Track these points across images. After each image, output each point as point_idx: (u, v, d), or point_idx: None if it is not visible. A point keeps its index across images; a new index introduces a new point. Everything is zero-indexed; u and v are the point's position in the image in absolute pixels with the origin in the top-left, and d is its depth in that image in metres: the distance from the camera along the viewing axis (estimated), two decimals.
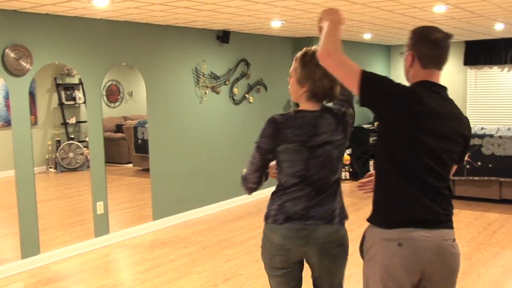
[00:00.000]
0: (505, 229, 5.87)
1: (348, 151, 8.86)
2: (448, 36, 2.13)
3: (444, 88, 2.18)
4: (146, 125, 6.34)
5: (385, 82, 2.06)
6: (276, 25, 6.57)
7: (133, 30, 5.92)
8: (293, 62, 2.46)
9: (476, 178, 6.98)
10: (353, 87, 2.04)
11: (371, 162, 9.21)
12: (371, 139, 9.13)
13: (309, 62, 2.36)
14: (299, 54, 2.44)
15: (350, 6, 5.21)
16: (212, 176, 7.05)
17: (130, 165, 7.73)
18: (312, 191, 2.39)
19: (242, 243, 5.60)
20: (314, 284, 2.63)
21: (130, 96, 8.03)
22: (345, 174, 8.91)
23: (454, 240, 2.12)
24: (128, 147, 7.73)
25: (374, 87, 2.04)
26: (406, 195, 2.07)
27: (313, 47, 2.39)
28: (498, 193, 6.93)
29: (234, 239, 5.74)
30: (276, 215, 2.43)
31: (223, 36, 6.95)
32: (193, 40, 6.66)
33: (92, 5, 4.69)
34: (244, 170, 2.55)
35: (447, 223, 2.11)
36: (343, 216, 2.47)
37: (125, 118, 8.08)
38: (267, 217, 2.48)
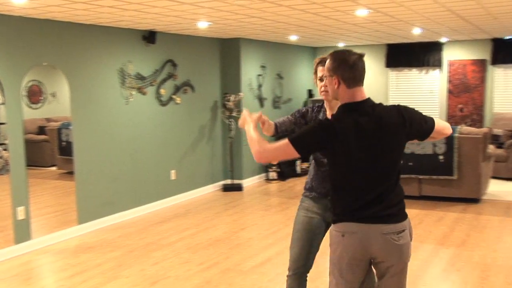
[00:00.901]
0: (423, 224, 6.15)
1: None
2: (361, 56, 2.48)
3: (367, 101, 2.48)
4: (71, 127, 6.16)
5: (310, 134, 2.46)
6: (203, 26, 6.56)
7: (55, 29, 5.74)
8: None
9: None
10: (295, 154, 2.44)
11: (298, 162, 9.38)
12: None
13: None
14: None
15: (276, 8, 5.29)
16: (139, 178, 6.94)
17: (54, 168, 7.46)
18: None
19: (169, 245, 5.56)
20: None
21: (53, 97, 7.75)
22: (272, 174, 9.02)
23: (398, 232, 2.44)
24: (51, 149, 7.46)
25: (306, 144, 2.45)
26: (349, 198, 2.47)
27: None
28: (417, 190, 7.25)
29: (161, 242, 5.69)
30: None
31: (150, 37, 6.86)
32: (119, 40, 6.53)
33: (9, 1, 4.50)
34: None
35: (387, 218, 2.44)
36: None
37: (48, 120, 7.79)
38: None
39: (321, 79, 2.95)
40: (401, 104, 2.63)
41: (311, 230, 3.03)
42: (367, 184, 2.43)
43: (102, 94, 6.35)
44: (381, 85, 10.36)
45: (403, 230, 2.46)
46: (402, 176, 7.51)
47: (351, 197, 2.45)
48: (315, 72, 3.04)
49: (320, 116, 3.08)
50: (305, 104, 10.24)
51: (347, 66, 2.45)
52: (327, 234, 2.70)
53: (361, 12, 5.73)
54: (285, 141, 2.43)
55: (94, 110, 6.25)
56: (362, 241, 2.42)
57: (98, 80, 6.29)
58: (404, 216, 2.50)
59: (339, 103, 2.57)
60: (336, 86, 2.48)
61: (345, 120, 2.43)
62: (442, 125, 2.64)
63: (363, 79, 2.50)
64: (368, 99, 2.48)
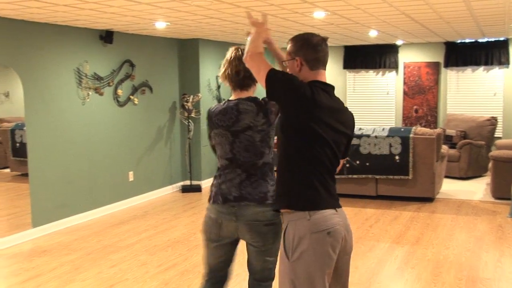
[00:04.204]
0: (380, 223, 6.27)
1: None
2: (324, 39, 2.43)
3: (332, 87, 2.43)
4: (25, 128, 6.01)
5: (287, 79, 2.34)
6: (160, 26, 6.51)
7: (8, 27, 5.59)
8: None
9: (355, 176, 7.39)
10: (262, 82, 2.37)
11: None
12: None
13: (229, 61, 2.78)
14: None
15: (234, 9, 5.30)
16: (96, 180, 6.84)
17: (7, 170, 7.27)
18: (243, 173, 2.71)
19: (127, 247, 5.49)
20: (248, 268, 2.87)
21: (6, 97, 7.55)
22: None
23: None
24: (4, 151, 7.27)
25: (277, 82, 2.33)
26: (314, 178, 2.31)
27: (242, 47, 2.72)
28: (374, 190, 7.38)
29: (119, 244, 5.61)
30: (215, 196, 2.77)
31: (107, 36, 6.76)
32: (75, 39, 6.42)
33: None
34: None
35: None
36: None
37: (1, 121, 7.59)
38: (209, 198, 2.82)
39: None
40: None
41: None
42: (330, 163, 2.38)
43: (57, 95, 6.22)
44: (339, 86, 10.50)
45: None
46: (359, 176, 7.64)
47: (319, 177, 2.36)
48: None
49: None
50: None
51: (310, 47, 2.38)
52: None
53: (319, 14, 5.80)
54: (267, 68, 2.35)
55: (49, 111, 6.12)
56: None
57: (54, 80, 6.17)
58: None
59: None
60: (298, 69, 2.38)
61: (317, 90, 2.34)
62: None
63: (326, 64, 2.44)
64: (334, 87, 2.44)
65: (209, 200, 2.82)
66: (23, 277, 4.69)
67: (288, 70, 2.48)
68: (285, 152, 2.35)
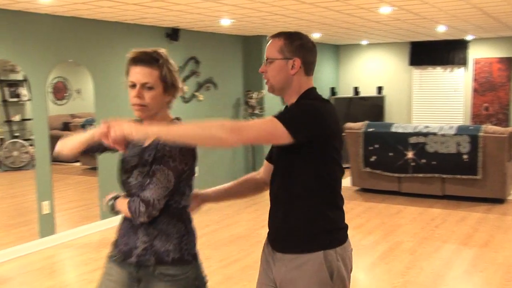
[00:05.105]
0: (446, 224, 6.08)
1: None
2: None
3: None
4: (94, 123, 6.23)
5: (303, 112, 1.96)
6: (225, 23, 6.58)
7: (81, 27, 5.81)
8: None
9: (420, 175, 7.20)
10: (282, 134, 1.86)
11: None
12: None
13: None
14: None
15: (298, 5, 5.28)
16: None
17: (78, 164, 7.57)
18: None
19: None
20: None
21: (78, 93, 7.85)
22: None
23: None
24: None
25: (301, 121, 1.92)
26: (338, 208, 2.08)
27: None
28: (440, 189, 7.17)
29: None
30: None
31: (173, 34, 6.90)
32: (142, 37, 6.59)
33: None
34: None
35: None
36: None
37: (73, 116, 7.90)
38: None
39: (133, 85, 2.11)
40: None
41: None
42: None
43: (125, 91, 6.36)
44: (404, 83, 10.26)
45: None
46: (425, 174, 7.43)
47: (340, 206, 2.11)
48: (128, 73, 2.17)
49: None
50: None
51: (309, 49, 2.06)
52: None
53: (385, 10, 5.68)
54: (269, 118, 1.91)
55: (117, 107, 6.32)
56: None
57: (122, 77, 6.33)
58: None
59: (166, 117, 2.07)
60: (292, 72, 2.01)
61: (329, 107, 2.04)
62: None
63: None
64: None
65: None
66: (92, 267, 4.87)
67: (271, 72, 2.05)
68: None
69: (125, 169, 2.20)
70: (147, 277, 2.06)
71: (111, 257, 2.16)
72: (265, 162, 2.36)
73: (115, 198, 2.13)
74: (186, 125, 1.92)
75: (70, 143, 2.12)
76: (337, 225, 2.07)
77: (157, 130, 1.90)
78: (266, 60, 2.07)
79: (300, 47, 2.03)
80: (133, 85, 2.10)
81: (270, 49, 2.05)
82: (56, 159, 5.99)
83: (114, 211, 2.11)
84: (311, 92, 2.08)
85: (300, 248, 2.01)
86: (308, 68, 2.06)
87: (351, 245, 2.11)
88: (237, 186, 2.48)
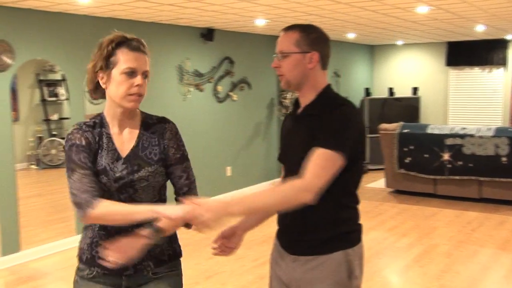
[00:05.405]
0: (483, 227, 5.96)
1: None
2: None
3: None
4: None
5: (345, 130, 1.87)
6: (260, 23, 6.59)
7: (117, 27, 5.86)
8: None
9: (456, 177, 7.07)
10: (341, 163, 1.84)
11: None
12: None
13: None
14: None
15: (334, 5, 5.25)
16: (195, 173, 7.01)
17: None
18: None
19: None
20: None
21: None
22: None
23: None
24: None
25: (346, 141, 1.86)
26: (354, 208, 2.05)
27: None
28: (477, 192, 7.02)
29: None
30: None
31: (207, 34, 6.95)
32: (177, 37, 6.65)
33: (75, 0, 4.66)
34: None
35: None
36: None
37: None
38: None
39: (131, 72, 1.97)
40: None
41: None
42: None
43: (160, 91, 6.48)
44: (441, 84, 10.10)
45: None
46: (461, 177, 7.29)
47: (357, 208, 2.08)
48: (108, 57, 1.99)
49: (104, 140, 2.00)
50: (362, 103, 10.06)
51: (326, 42, 1.97)
52: None
53: (422, 9, 5.60)
54: (324, 152, 1.81)
55: (152, 106, 6.37)
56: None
57: (157, 77, 6.43)
58: None
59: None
60: (310, 66, 1.92)
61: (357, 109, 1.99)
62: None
63: None
64: None
65: None
66: None
67: (287, 66, 1.96)
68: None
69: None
70: (138, 282, 1.94)
71: (91, 275, 2.02)
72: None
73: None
74: (259, 197, 1.91)
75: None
76: (354, 225, 2.04)
77: (237, 209, 1.87)
78: (279, 54, 1.98)
79: (317, 39, 1.94)
80: (131, 72, 1.93)
81: (284, 42, 1.97)
82: None
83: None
84: (330, 90, 1.99)
85: (318, 249, 1.98)
86: (325, 62, 1.97)
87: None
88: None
